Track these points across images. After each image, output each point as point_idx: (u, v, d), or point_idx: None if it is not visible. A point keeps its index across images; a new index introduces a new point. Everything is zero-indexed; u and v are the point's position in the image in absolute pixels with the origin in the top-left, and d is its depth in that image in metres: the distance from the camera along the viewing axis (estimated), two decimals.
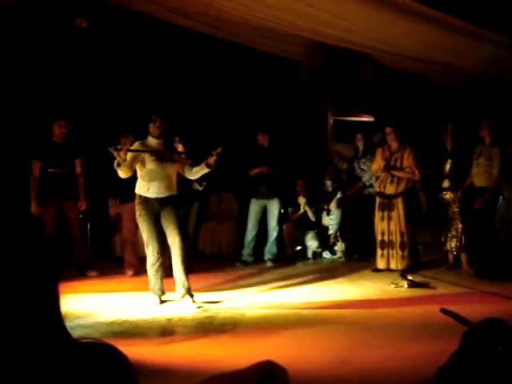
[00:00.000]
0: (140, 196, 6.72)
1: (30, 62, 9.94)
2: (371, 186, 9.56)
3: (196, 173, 6.81)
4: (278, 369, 1.46)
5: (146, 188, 6.69)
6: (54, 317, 1.36)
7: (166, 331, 5.68)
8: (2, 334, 1.26)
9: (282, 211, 9.80)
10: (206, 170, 6.72)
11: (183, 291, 6.64)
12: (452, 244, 8.30)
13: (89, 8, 8.80)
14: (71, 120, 8.82)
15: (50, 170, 8.47)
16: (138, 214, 6.75)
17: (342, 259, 9.61)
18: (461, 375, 1.32)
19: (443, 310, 1.57)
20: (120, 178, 8.56)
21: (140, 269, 8.59)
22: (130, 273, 8.63)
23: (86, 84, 10.33)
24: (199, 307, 6.52)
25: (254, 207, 9.64)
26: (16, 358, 1.26)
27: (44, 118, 8.76)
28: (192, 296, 6.66)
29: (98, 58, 10.22)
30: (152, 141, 6.80)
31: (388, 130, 8.53)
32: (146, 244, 6.73)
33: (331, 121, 11.10)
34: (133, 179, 8.47)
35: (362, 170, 9.77)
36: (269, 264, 9.44)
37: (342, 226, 9.90)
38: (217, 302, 6.76)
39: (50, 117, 8.69)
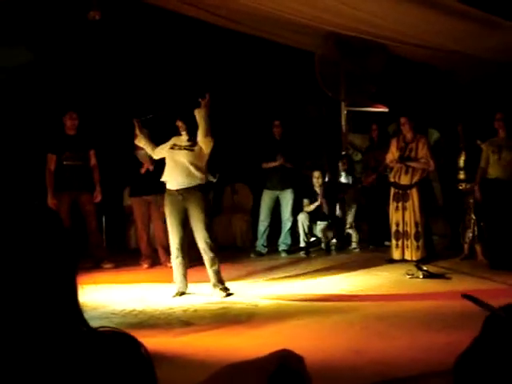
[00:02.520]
0: (166, 188, 6.75)
1: (43, 56, 9.97)
2: (386, 176, 9.52)
3: (201, 130, 6.71)
4: (294, 357, 1.46)
5: (167, 179, 6.72)
6: (72, 306, 1.37)
7: (181, 322, 5.70)
8: (21, 324, 1.27)
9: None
10: (204, 117, 6.66)
11: (212, 288, 6.70)
12: (467, 235, 8.27)
13: (102, 0, 8.79)
14: (85, 112, 8.87)
15: (64, 163, 8.52)
16: (164, 206, 6.78)
17: (357, 250, 9.59)
18: (482, 361, 1.31)
19: (464, 296, 1.55)
20: (132, 171, 8.66)
21: (155, 260, 8.65)
22: (145, 265, 8.67)
23: (98, 76, 10.35)
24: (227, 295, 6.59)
25: (267, 198, 9.64)
26: (34, 346, 1.27)
27: (57, 112, 8.80)
28: (224, 290, 6.68)
29: (111, 50, 10.23)
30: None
31: (403, 120, 8.49)
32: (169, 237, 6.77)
33: (345, 112, 11.06)
34: (143, 174, 8.56)
35: (377, 160, 9.73)
36: (283, 255, 9.45)
37: (357, 216, 9.88)
38: (231, 294, 6.76)
39: (62, 110, 8.73)
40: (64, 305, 1.34)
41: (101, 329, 1.40)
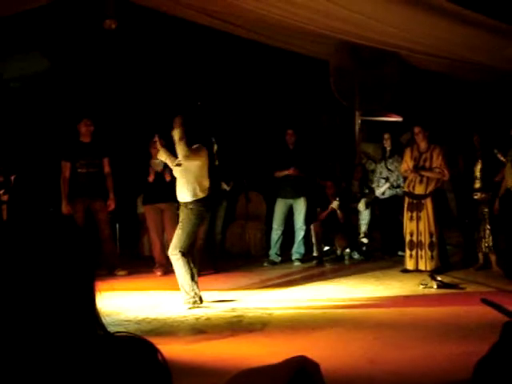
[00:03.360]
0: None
1: (59, 64, 10.05)
2: (399, 186, 9.50)
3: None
4: (311, 364, 1.46)
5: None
6: (90, 310, 1.38)
7: (194, 330, 5.71)
8: (39, 328, 1.28)
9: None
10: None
11: None
12: (482, 245, 8.22)
13: (118, 9, 8.85)
14: (99, 120, 8.91)
15: (79, 170, 8.56)
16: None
17: (370, 260, 9.55)
18: (502, 367, 1.31)
19: (484, 300, 1.55)
20: (145, 179, 8.70)
21: (169, 268, 8.65)
22: (158, 272, 8.68)
23: (113, 84, 10.41)
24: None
25: (280, 206, 9.64)
26: (52, 350, 1.28)
27: (72, 119, 8.85)
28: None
29: (127, 59, 10.30)
30: None
31: (417, 129, 8.46)
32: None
33: (359, 121, 11.05)
34: (156, 182, 8.61)
35: (390, 170, 9.72)
36: (296, 264, 9.43)
37: (371, 226, 9.86)
38: (244, 302, 6.75)
39: (77, 117, 8.77)
40: (82, 309, 1.35)
41: (118, 334, 1.41)
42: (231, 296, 7.12)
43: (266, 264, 9.39)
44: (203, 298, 6.69)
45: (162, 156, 7.00)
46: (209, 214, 7.15)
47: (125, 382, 1.32)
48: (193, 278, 6.59)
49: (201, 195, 6.68)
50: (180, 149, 6.70)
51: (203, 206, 6.71)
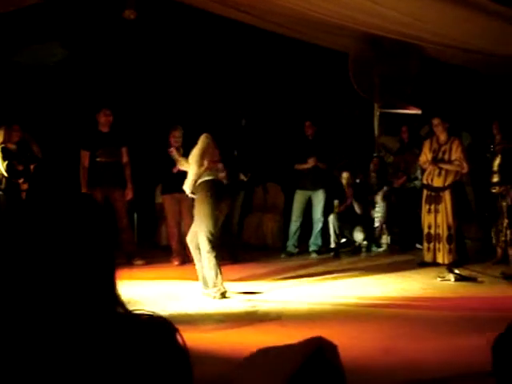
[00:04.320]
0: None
1: (78, 53, 10.09)
2: (416, 178, 9.47)
3: None
4: (329, 344, 1.47)
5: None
6: (111, 288, 1.39)
7: (211, 319, 5.72)
8: (61, 303, 1.29)
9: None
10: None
11: None
12: (500, 239, 8.17)
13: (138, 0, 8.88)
14: (118, 109, 8.96)
15: (97, 160, 8.61)
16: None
17: (388, 252, 9.53)
18: None
19: (503, 274, 1.55)
20: (164, 168, 8.72)
21: (186, 258, 8.69)
22: (176, 262, 8.72)
23: (133, 74, 10.45)
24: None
25: (299, 198, 9.64)
26: (71, 327, 1.29)
27: (92, 109, 8.90)
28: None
29: (146, 49, 10.32)
30: None
31: (436, 121, 8.41)
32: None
33: (378, 113, 11.00)
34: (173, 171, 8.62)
35: (408, 162, 9.67)
36: (313, 256, 9.44)
37: (388, 218, 9.83)
38: (260, 293, 6.77)
39: (97, 107, 8.82)
40: (102, 286, 1.36)
41: (138, 311, 1.42)
42: (247, 286, 7.12)
43: (283, 255, 9.42)
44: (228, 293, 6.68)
45: (184, 165, 6.94)
46: (222, 201, 7.06)
47: (142, 361, 1.33)
48: (220, 271, 6.56)
49: (208, 178, 6.59)
50: (192, 168, 6.61)
51: (213, 187, 6.57)
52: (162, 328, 1.41)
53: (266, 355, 1.39)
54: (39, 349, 1.26)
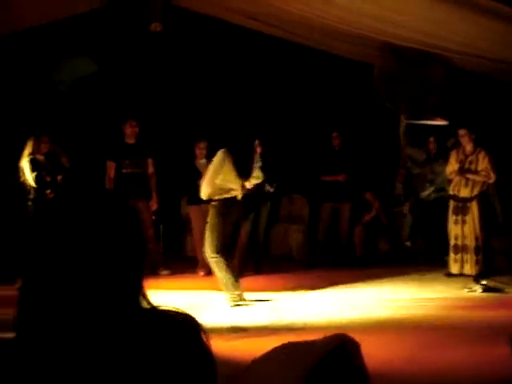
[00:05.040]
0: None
1: (106, 65, 10.22)
2: (443, 189, 9.41)
3: None
4: (351, 342, 1.47)
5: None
6: (137, 283, 1.41)
7: (235, 328, 5.73)
8: (88, 299, 1.31)
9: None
10: None
11: None
12: None
13: (164, 12, 8.98)
14: (145, 121, 9.04)
15: (123, 171, 8.68)
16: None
17: (414, 264, 9.45)
18: None
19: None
20: (189, 179, 8.76)
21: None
22: (201, 272, 8.74)
23: (159, 86, 10.54)
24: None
25: (325, 210, 9.64)
26: (97, 320, 1.31)
27: (118, 120, 8.99)
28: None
29: (172, 61, 10.42)
30: None
31: (462, 131, 8.36)
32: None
33: (404, 124, 10.96)
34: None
35: (435, 173, 9.63)
36: (338, 267, 9.39)
37: (415, 230, 9.77)
38: (285, 302, 6.76)
39: (123, 118, 8.91)
40: (129, 281, 1.38)
41: (163, 308, 1.44)
42: (272, 296, 7.14)
43: (307, 266, 9.39)
44: (246, 297, 6.75)
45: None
46: (237, 216, 7.09)
47: (166, 356, 1.34)
48: (235, 278, 6.64)
49: (219, 197, 6.70)
50: (204, 182, 6.79)
51: (224, 206, 6.70)
52: (186, 324, 1.43)
53: (287, 350, 1.40)
54: (67, 342, 1.29)
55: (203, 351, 1.42)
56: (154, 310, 1.43)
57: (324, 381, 1.32)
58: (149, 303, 1.42)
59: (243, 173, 6.75)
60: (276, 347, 1.42)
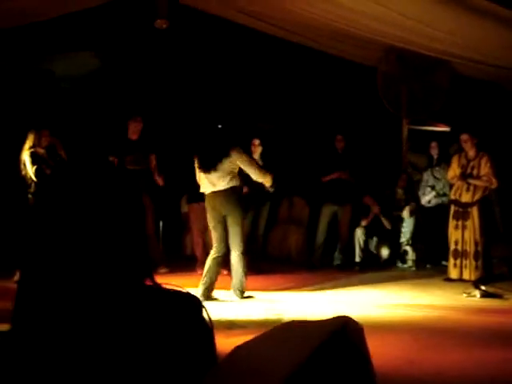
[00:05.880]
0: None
1: (110, 62, 10.21)
2: (445, 194, 9.39)
3: None
4: (354, 324, 1.46)
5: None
6: (140, 261, 1.40)
7: (234, 325, 5.71)
8: (90, 272, 1.30)
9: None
10: None
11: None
12: None
13: (170, 9, 8.96)
14: (147, 118, 9.02)
15: (126, 167, 8.65)
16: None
17: (413, 268, 9.44)
18: None
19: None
20: (190, 178, 8.74)
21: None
22: (200, 271, 8.68)
23: (163, 83, 10.54)
24: None
25: (326, 212, 9.61)
26: (99, 294, 1.30)
27: (121, 117, 8.97)
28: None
29: (178, 58, 10.41)
30: None
31: (465, 136, 8.34)
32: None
33: (406, 129, 10.93)
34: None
35: (436, 178, 9.61)
36: (338, 269, 9.38)
37: (414, 235, 9.74)
38: (284, 302, 6.75)
39: (127, 115, 8.89)
40: (133, 258, 1.37)
41: (167, 286, 1.43)
42: (271, 296, 7.15)
43: (306, 268, 9.37)
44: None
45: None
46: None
47: (167, 332, 1.34)
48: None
49: None
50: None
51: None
52: (188, 302, 1.42)
53: (291, 328, 1.39)
54: (67, 315, 1.27)
55: (205, 329, 1.41)
56: (158, 287, 1.42)
57: (326, 361, 1.30)
58: (153, 281, 1.42)
59: None
60: (280, 325, 1.40)
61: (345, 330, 1.41)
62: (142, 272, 1.38)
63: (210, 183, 6.90)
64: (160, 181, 8.78)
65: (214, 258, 6.92)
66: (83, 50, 10.18)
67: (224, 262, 7.06)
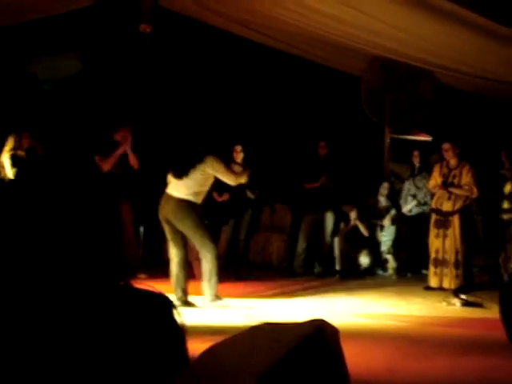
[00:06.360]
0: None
1: (93, 66, 10.15)
2: (426, 203, 9.41)
3: None
4: (330, 328, 1.43)
5: None
6: (112, 259, 1.37)
7: (212, 331, 5.66)
8: (62, 272, 1.27)
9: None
10: None
11: None
12: (509, 265, 8.09)
13: (154, 14, 8.93)
14: (132, 122, 8.95)
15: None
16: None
17: (394, 277, 9.45)
18: None
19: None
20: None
21: (190, 273, 8.62)
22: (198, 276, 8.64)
23: (147, 87, 10.49)
24: None
25: (308, 219, 9.61)
26: (69, 295, 1.27)
27: (104, 121, 8.90)
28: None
29: (162, 63, 10.37)
30: None
31: (446, 146, 8.37)
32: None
33: (388, 139, 10.96)
34: None
35: (418, 187, 9.64)
36: (318, 277, 9.36)
37: (395, 243, 9.75)
38: (262, 309, 6.71)
39: (109, 119, 8.81)
40: (103, 256, 1.34)
41: (137, 285, 1.40)
42: (250, 303, 7.12)
43: (288, 275, 9.34)
44: (223, 303, 6.78)
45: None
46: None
47: (136, 332, 1.30)
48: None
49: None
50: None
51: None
52: (158, 301, 1.39)
53: (263, 330, 1.35)
54: (34, 314, 1.24)
55: (175, 329, 1.38)
56: (127, 286, 1.39)
57: (300, 363, 1.27)
58: (123, 279, 1.38)
59: None
60: (253, 326, 1.37)
61: (320, 333, 1.38)
62: (113, 271, 1.35)
63: (174, 186, 6.81)
64: (134, 163, 8.61)
65: (176, 263, 6.87)
66: (67, 52, 10.12)
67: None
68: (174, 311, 1.41)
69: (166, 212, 6.84)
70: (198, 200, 6.80)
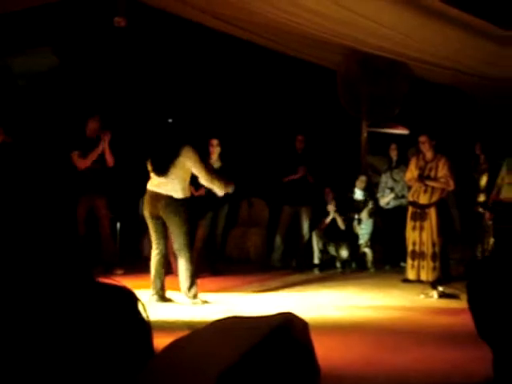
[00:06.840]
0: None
1: (68, 60, 10.05)
2: (403, 196, 9.43)
3: None
4: (298, 320, 1.40)
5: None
6: (71, 254, 1.33)
7: (189, 327, 5.61)
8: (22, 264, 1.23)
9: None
10: None
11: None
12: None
13: (129, 8, 8.85)
14: (107, 116, 8.88)
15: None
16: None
17: (372, 270, 9.47)
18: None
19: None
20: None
21: (168, 269, 8.57)
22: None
23: (122, 81, 10.42)
24: None
25: (286, 213, 9.60)
26: (32, 290, 1.23)
27: (79, 116, 8.82)
28: None
29: (137, 56, 10.30)
30: None
31: (423, 138, 8.39)
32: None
33: (365, 132, 10.96)
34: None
35: (395, 180, 9.66)
36: (297, 271, 9.35)
37: (373, 236, 9.77)
38: (239, 303, 6.69)
39: (85, 114, 8.74)
40: (64, 251, 1.30)
41: (101, 280, 1.36)
42: (228, 298, 7.09)
43: (266, 269, 9.32)
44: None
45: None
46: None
47: (100, 327, 1.26)
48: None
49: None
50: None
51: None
52: (121, 295, 1.35)
53: (231, 323, 1.32)
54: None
55: (138, 320, 1.34)
56: (90, 281, 1.35)
57: (266, 356, 1.24)
58: (86, 274, 1.34)
59: None
60: (217, 320, 1.34)
61: (288, 326, 1.34)
62: (74, 267, 1.30)
63: (161, 184, 6.76)
64: (110, 160, 8.56)
65: (158, 260, 6.82)
66: (41, 46, 10.00)
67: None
68: (139, 305, 1.37)
69: (156, 209, 6.75)
70: (188, 194, 6.78)
